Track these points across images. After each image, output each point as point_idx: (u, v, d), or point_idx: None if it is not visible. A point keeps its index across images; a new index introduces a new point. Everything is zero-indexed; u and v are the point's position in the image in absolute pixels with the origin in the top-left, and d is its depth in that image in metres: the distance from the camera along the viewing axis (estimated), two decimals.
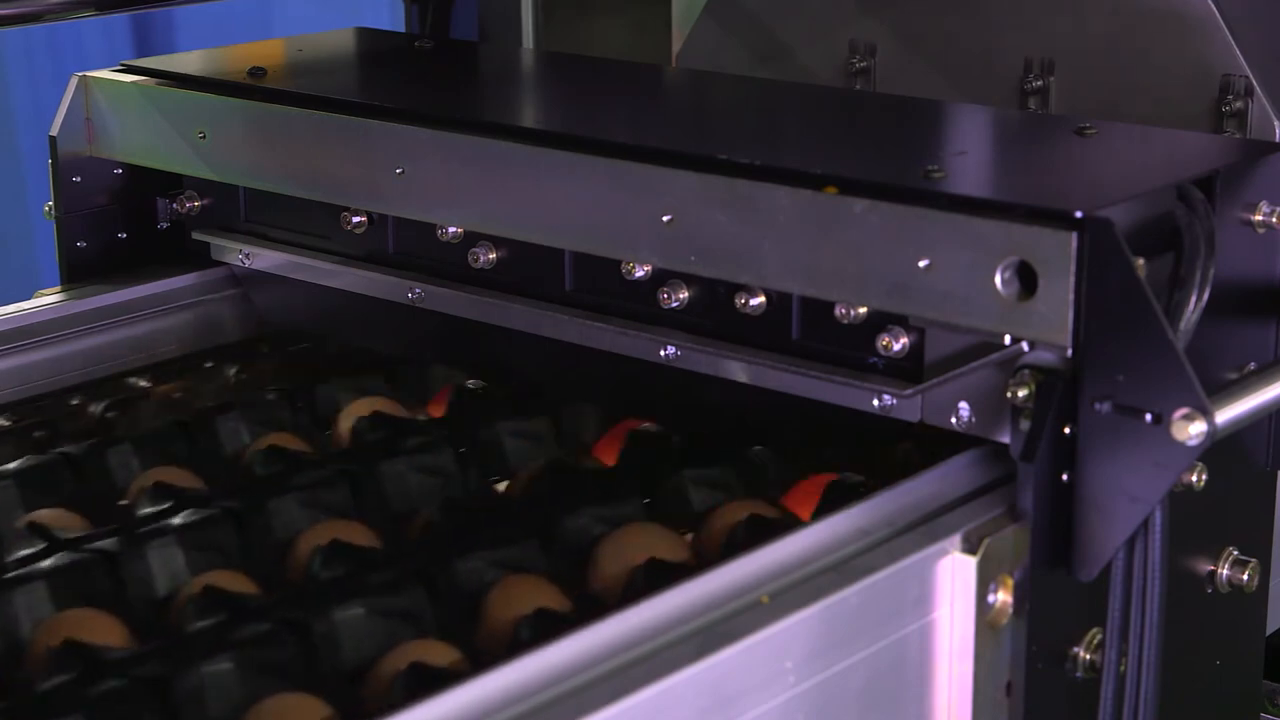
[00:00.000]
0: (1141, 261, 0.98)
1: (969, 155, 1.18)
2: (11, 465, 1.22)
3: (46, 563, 1.09)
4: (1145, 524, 0.98)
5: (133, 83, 1.42)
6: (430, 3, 2.13)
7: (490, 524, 1.11)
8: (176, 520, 1.13)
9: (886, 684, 0.94)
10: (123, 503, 1.21)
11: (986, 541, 0.96)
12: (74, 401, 1.35)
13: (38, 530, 1.14)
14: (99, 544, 1.11)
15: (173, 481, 1.20)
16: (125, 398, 1.36)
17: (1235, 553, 1.15)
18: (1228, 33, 1.37)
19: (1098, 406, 0.97)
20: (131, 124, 1.42)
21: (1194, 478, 1.03)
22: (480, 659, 0.98)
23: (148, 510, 1.16)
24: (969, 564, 0.96)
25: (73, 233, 1.44)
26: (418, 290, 1.32)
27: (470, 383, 1.35)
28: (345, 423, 1.27)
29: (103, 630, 1.04)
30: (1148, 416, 0.95)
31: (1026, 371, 0.99)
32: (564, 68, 1.57)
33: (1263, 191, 1.12)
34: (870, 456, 1.16)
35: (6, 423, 1.31)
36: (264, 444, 1.24)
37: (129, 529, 1.12)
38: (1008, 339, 1.02)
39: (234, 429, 1.29)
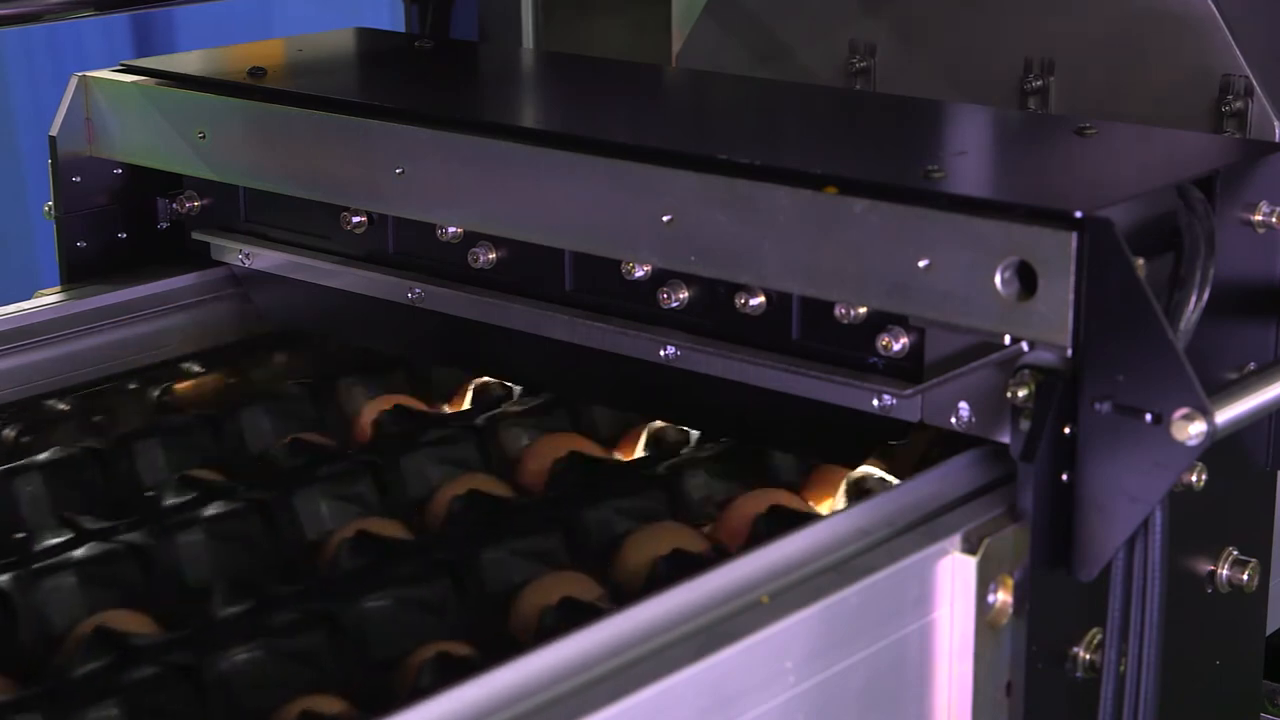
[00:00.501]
0: (1141, 261, 0.98)
1: (969, 155, 1.18)
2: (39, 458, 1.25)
3: (77, 553, 1.12)
4: (1145, 524, 0.97)
5: (133, 83, 1.42)
6: (430, 3, 2.12)
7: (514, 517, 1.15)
8: (206, 512, 1.16)
9: (886, 684, 0.94)
10: (148, 493, 1.24)
11: (986, 541, 0.96)
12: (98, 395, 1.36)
13: (67, 521, 1.16)
14: (127, 536, 1.13)
15: (200, 476, 1.22)
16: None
17: (1235, 553, 1.15)
18: (1228, 33, 1.36)
19: (1098, 406, 0.97)
20: (131, 124, 1.42)
21: (1194, 478, 1.03)
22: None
23: (172, 501, 1.19)
24: (969, 564, 0.96)
25: (73, 233, 1.43)
26: (418, 290, 1.32)
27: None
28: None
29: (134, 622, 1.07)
30: (1148, 416, 0.95)
31: (1026, 371, 0.99)
32: (564, 68, 1.56)
33: (1263, 191, 1.12)
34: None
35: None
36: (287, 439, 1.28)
37: (155, 520, 1.15)
38: (1008, 339, 1.02)
39: (256, 424, 1.31)
